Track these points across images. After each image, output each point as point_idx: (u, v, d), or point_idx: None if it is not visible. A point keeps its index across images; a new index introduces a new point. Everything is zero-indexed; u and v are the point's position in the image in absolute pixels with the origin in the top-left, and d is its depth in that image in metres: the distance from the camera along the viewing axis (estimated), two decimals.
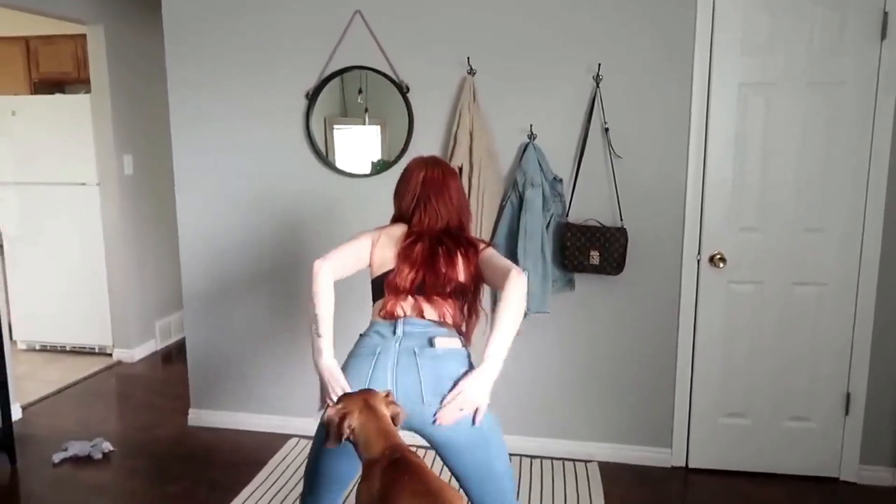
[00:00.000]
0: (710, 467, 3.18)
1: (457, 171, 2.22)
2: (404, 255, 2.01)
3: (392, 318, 1.99)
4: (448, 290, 2.00)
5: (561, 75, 3.06)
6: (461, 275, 2.02)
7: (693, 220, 3.04)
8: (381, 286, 2.03)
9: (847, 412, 3.03)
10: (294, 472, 3.13)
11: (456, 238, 2.06)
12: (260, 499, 2.92)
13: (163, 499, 2.97)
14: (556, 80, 3.06)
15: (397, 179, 2.16)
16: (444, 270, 1.99)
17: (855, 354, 2.99)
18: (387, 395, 1.74)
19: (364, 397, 1.70)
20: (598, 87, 3.00)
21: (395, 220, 2.15)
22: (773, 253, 2.98)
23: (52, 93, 4.97)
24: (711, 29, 2.90)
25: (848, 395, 3.02)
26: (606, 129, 3.02)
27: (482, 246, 2.08)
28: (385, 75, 3.19)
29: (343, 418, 1.63)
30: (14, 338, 4.81)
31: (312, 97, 3.27)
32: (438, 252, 2.01)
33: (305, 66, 3.26)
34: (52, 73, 5.06)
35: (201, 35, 3.36)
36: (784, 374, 3.05)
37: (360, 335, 2.05)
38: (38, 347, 4.85)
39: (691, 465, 3.19)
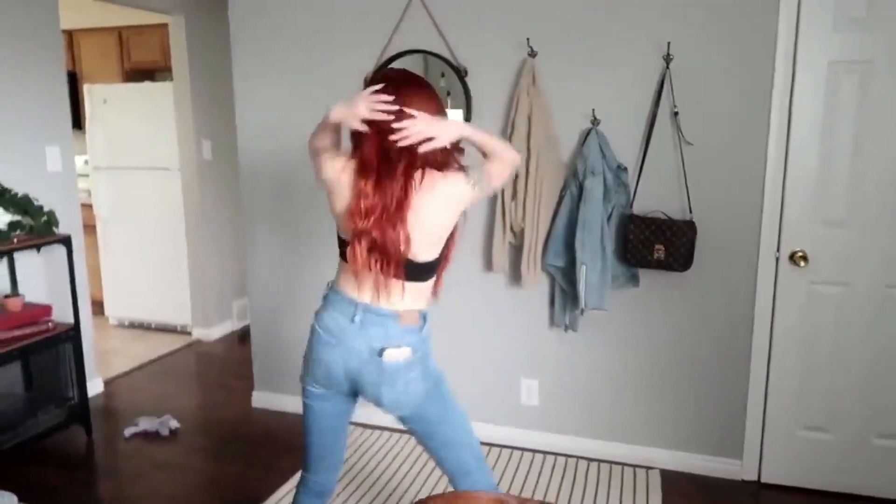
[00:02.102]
0: (786, 483, 2.91)
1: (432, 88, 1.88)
2: (358, 177, 1.76)
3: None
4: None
5: (627, 56, 2.85)
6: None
7: (772, 214, 2.76)
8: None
9: None
10: (346, 460, 3.12)
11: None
12: None
13: (219, 477, 3.05)
14: (622, 61, 2.86)
15: None
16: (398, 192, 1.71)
17: None
18: None
19: None
20: (667, 67, 2.77)
21: None
22: (862, 251, 2.67)
23: (143, 81, 5.19)
24: (798, 0, 2.61)
25: None
26: (676, 114, 2.79)
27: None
28: (443, 58, 3.09)
29: None
30: (106, 314, 5.11)
31: (371, 82, 3.21)
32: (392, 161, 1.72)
33: (365, 51, 3.21)
34: (142, 61, 5.29)
35: (263, 22, 3.38)
36: (873, 386, 2.74)
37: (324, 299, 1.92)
38: (127, 324, 5.13)
39: (764, 480, 2.94)
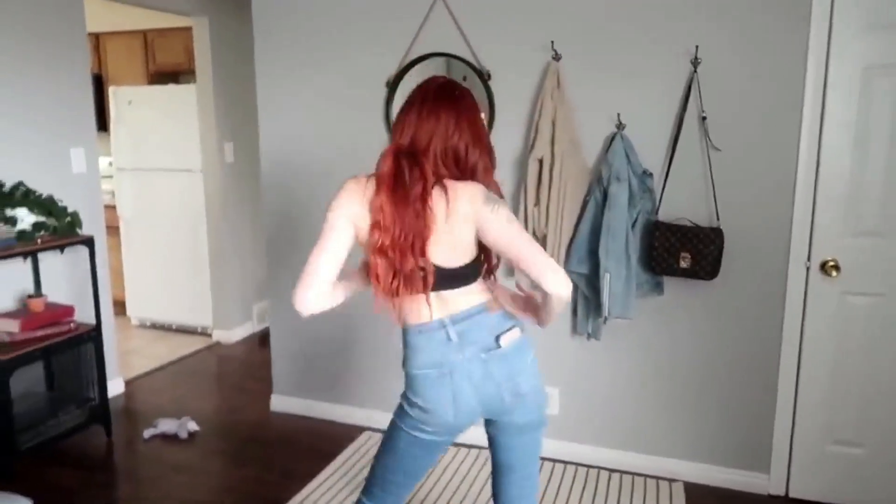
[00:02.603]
0: (814, 499, 2.83)
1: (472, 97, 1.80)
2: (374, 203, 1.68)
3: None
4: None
5: (654, 59, 2.79)
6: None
7: (802, 222, 2.69)
8: None
9: None
10: (364, 467, 3.09)
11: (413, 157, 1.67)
12: (327, 491, 2.91)
13: (236, 482, 3.04)
14: (649, 64, 2.80)
15: None
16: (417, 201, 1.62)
17: None
18: None
19: None
20: (695, 71, 2.71)
21: None
22: None
23: (167, 83, 5.23)
24: (831, 1, 2.54)
25: None
26: (704, 119, 2.73)
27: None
28: (466, 62, 3.05)
29: None
30: (128, 314, 5.14)
31: (393, 85, 3.19)
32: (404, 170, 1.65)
33: (388, 53, 3.19)
34: (167, 64, 5.33)
35: (286, 27, 3.37)
36: None
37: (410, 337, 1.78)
38: (148, 325, 5.16)
39: (792, 495, 2.86)
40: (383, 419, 3.46)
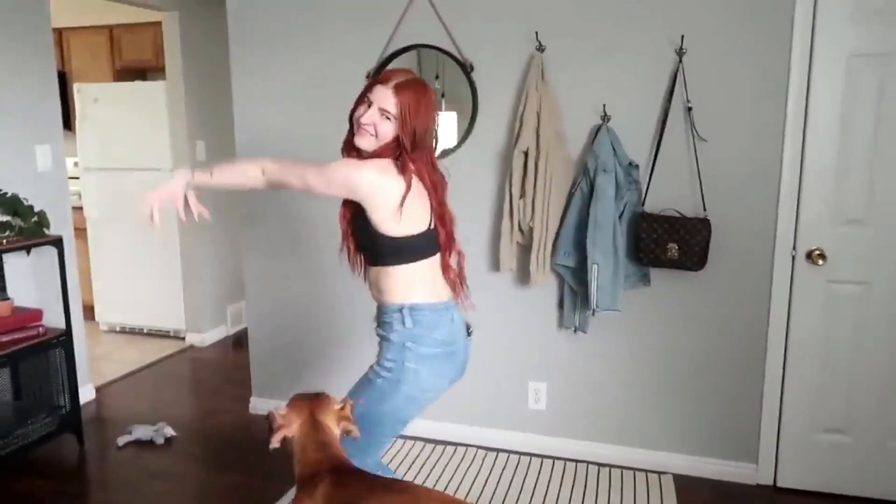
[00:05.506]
0: (802, 488, 2.84)
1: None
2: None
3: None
4: None
5: (639, 50, 2.78)
6: None
7: (788, 212, 2.70)
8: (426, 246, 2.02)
9: None
10: None
11: None
12: None
13: (218, 487, 2.94)
14: (634, 55, 2.79)
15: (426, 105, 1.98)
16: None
17: None
18: (342, 408, 1.68)
19: (312, 409, 1.63)
20: (680, 61, 2.70)
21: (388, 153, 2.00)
22: (882, 250, 2.61)
23: (134, 80, 5.08)
24: None
25: None
26: (689, 109, 2.72)
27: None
28: (449, 54, 3.01)
29: (280, 428, 1.59)
30: (97, 319, 4.98)
31: (373, 77, 3.12)
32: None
33: (367, 46, 3.12)
34: (134, 60, 5.16)
35: (263, 17, 3.28)
36: (892, 388, 2.68)
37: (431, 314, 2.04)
38: (118, 329, 4.99)
39: (780, 485, 2.87)
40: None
